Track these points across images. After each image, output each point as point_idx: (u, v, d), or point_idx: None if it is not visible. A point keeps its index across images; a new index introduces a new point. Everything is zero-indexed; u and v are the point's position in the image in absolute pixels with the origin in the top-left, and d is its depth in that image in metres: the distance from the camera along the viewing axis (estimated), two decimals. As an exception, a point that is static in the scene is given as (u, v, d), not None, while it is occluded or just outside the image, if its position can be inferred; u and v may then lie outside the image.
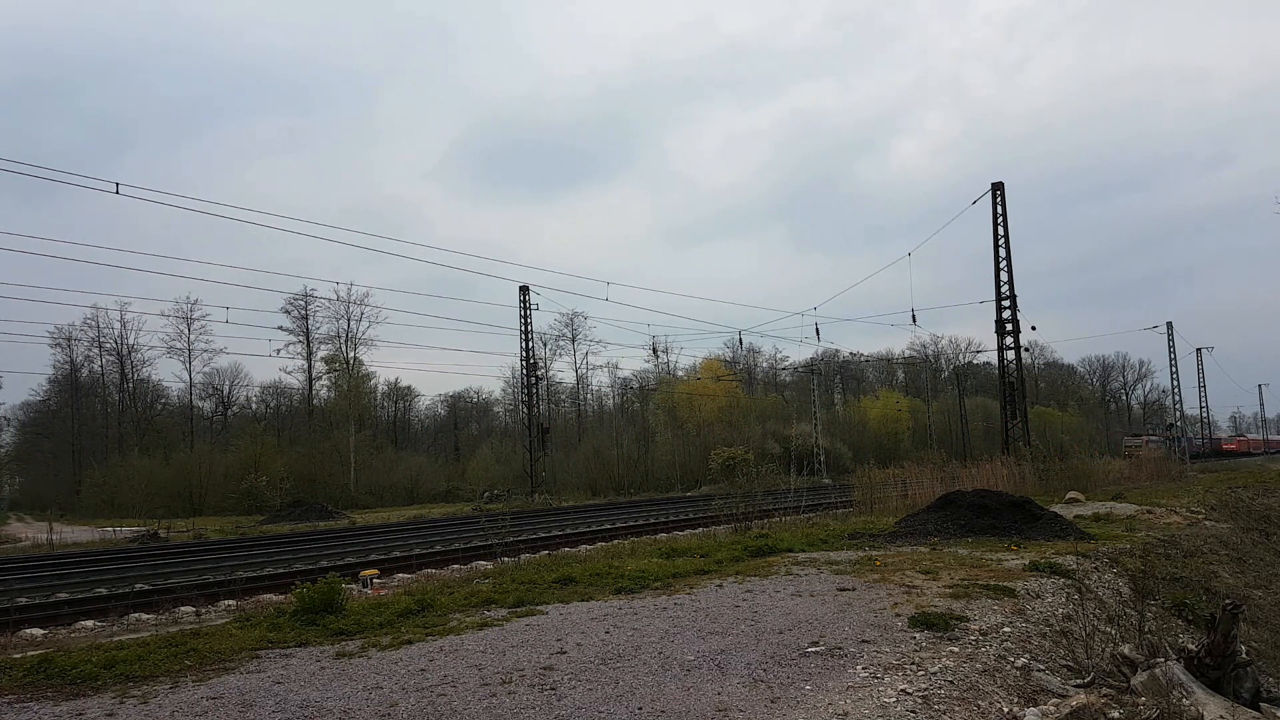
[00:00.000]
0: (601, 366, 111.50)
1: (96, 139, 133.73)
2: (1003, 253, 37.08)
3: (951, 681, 5.67)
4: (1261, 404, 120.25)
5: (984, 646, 6.61)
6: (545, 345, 75.51)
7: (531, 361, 50.64)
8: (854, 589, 8.89)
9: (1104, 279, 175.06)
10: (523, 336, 48.87)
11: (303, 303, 64.72)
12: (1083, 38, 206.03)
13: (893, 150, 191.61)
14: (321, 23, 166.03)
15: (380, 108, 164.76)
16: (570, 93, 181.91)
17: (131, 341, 67.98)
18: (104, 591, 13.89)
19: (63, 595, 13.78)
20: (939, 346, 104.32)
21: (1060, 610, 8.35)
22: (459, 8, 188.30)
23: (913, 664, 5.99)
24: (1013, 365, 37.88)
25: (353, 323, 65.63)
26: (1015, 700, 5.72)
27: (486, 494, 50.12)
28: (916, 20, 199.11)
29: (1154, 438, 71.59)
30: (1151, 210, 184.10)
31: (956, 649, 6.44)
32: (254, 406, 78.24)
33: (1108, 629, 8.54)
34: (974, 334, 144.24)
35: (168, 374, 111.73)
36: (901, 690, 5.40)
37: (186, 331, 64.84)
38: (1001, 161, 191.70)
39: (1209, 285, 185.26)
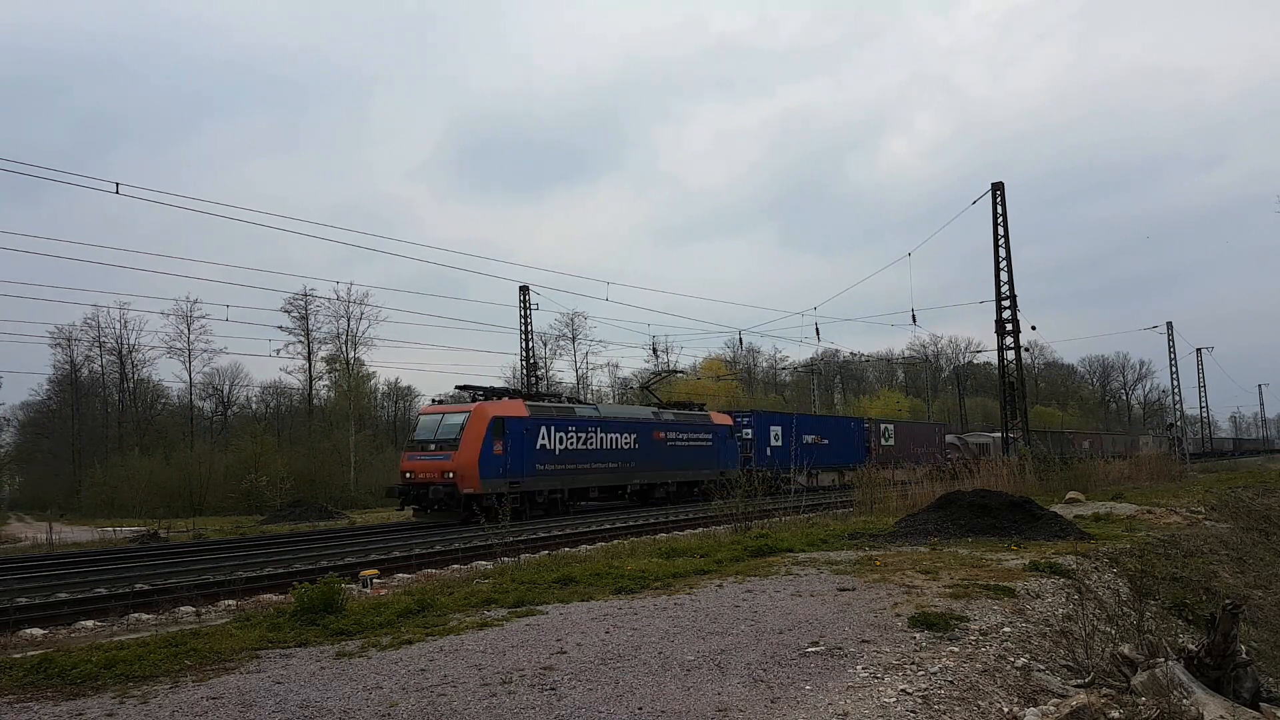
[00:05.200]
0: (602, 366, 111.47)
1: (87, 137, 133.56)
2: (1003, 253, 37.10)
3: (951, 681, 5.67)
4: (1261, 404, 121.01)
5: (984, 646, 6.61)
6: (545, 345, 75.55)
7: (532, 361, 50.64)
8: (854, 589, 8.88)
9: (1104, 279, 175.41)
10: (523, 336, 48.88)
11: (303, 302, 64.68)
12: (1078, 37, 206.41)
13: (885, 150, 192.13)
14: (314, 19, 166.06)
15: (372, 104, 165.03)
16: (560, 89, 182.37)
17: (131, 341, 67.92)
18: (104, 591, 13.86)
19: (63, 595, 13.75)
20: (939, 346, 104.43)
21: (1060, 610, 8.35)
22: (452, 3, 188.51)
23: (913, 664, 5.99)
24: (1013, 365, 37.89)
25: (353, 322, 65.63)
26: (1015, 700, 5.72)
27: (485, 494, 49.72)
28: (908, 19, 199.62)
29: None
30: (1150, 210, 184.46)
31: (956, 649, 6.44)
32: (254, 406, 78.21)
33: (1108, 629, 8.54)
34: (974, 334, 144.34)
35: (168, 374, 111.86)
36: (901, 690, 5.40)
37: (186, 331, 64.72)
38: (997, 161, 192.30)
39: (1209, 285, 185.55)
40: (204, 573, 15.74)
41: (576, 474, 26.75)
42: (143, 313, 77.51)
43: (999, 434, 58.11)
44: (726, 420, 34.12)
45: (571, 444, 26.40)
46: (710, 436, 32.31)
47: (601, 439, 27.73)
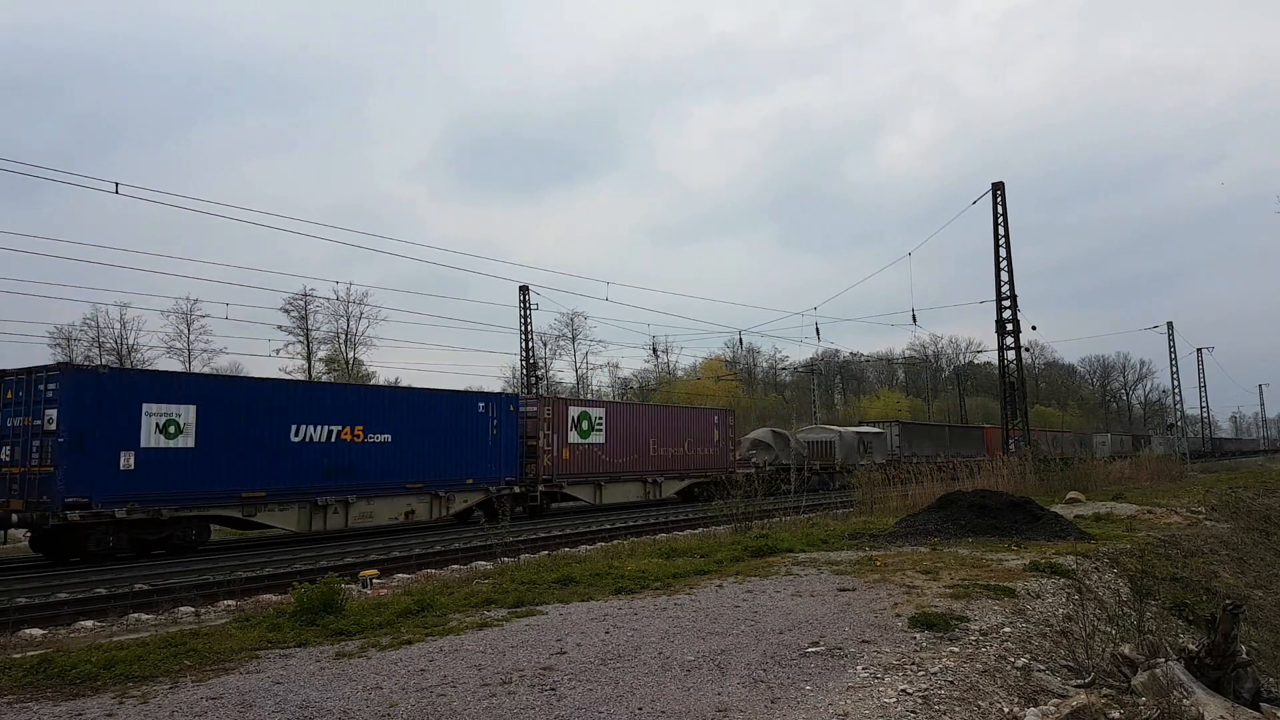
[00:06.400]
0: (602, 366, 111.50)
1: (86, 137, 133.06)
2: (1003, 253, 37.10)
3: (951, 682, 5.66)
4: (1262, 404, 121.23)
5: (984, 647, 6.60)
6: (545, 345, 75.59)
7: (531, 361, 50.67)
8: (854, 589, 8.88)
9: (1104, 279, 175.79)
10: (523, 336, 48.91)
11: (302, 302, 64.66)
12: (1078, 37, 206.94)
13: (885, 150, 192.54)
14: (313, 19, 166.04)
15: (371, 104, 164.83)
16: (559, 89, 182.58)
17: (131, 341, 67.96)
18: (103, 591, 13.88)
19: (62, 595, 13.76)
20: (939, 346, 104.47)
21: (1060, 610, 8.34)
22: (451, 3, 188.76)
23: (913, 664, 5.99)
24: (1013, 365, 37.88)
25: (352, 322, 65.63)
26: (1015, 700, 5.71)
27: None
28: (907, 19, 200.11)
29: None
30: (1150, 210, 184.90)
31: (957, 649, 6.44)
32: (254, 406, 77.97)
33: (1108, 629, 8.54)
34: (974, 334, 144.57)
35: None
36: (902, 690, 5.39)
37: (186, 331, 64.66)
38: (997, 161, 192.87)
39: (1209, 285, 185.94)
40: (203, 573, 15.75)
41: None
42: (143, 311, 77.58)
43: (852, 429, 45.16)
44: None
45: None
46: None
47: None
